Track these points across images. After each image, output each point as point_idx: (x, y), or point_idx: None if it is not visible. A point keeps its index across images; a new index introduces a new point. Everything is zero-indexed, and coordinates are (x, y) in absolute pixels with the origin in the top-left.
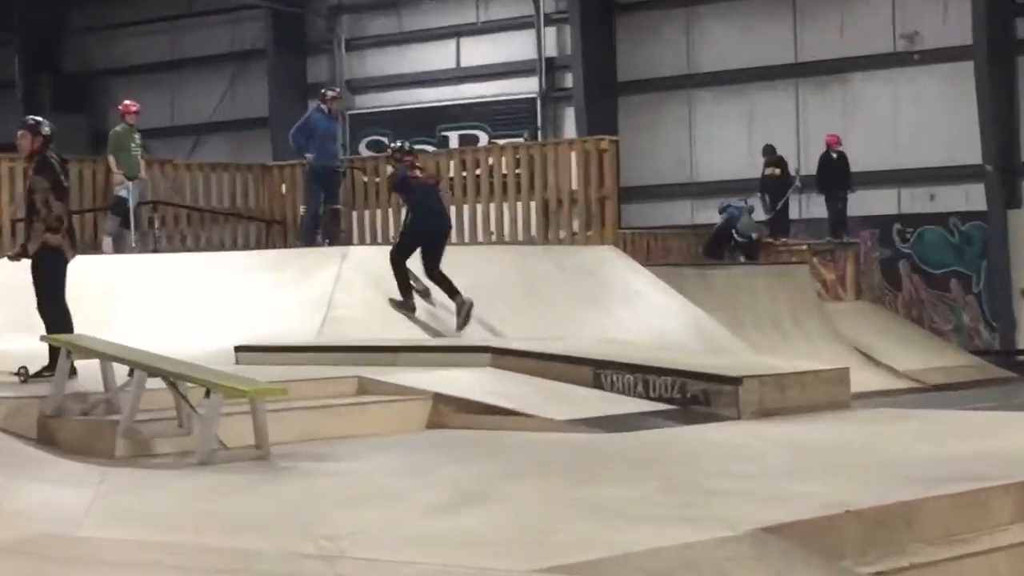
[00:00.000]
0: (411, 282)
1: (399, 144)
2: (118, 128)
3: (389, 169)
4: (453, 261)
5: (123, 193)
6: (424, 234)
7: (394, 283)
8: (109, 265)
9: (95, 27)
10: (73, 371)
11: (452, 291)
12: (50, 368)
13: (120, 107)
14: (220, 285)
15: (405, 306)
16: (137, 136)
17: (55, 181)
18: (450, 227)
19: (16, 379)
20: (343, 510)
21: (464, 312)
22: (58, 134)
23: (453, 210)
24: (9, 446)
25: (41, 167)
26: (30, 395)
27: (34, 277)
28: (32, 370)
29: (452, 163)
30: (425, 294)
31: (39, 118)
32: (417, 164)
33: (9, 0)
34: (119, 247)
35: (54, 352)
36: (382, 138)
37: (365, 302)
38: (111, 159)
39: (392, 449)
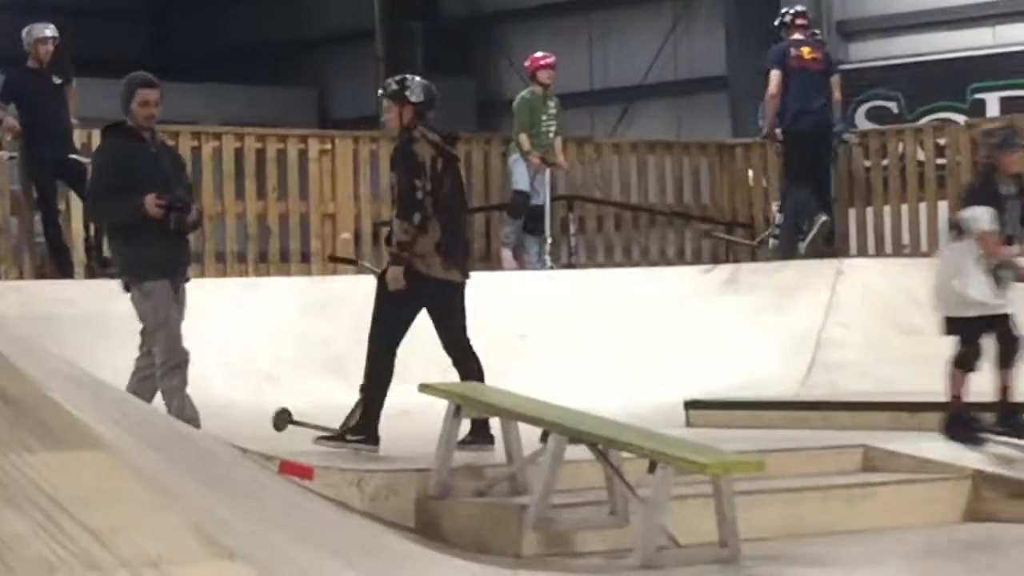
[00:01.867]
0: None
1: (797, 9)
2: (525, 93)
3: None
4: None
5: (522, 186)
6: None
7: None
8: (506, 286)
9: None
10: (482, 433)
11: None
12: (358, 430)
13: (527, 62)
14: (661, 314)
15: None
16: (552, 104)
17: (416, 171)
18: (831, 126)
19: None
20: None
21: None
22: (440, 98)
23: None
24: (378, 538)
25: (401, 154)
26: (406, 468)
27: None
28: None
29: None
30: None
31: (407, 77)
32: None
33: None
34: (521, 260)
35: (368, 408)
36: (888, 103)
37: (870, 340)
38: (522, 138)
39: (915, 553)
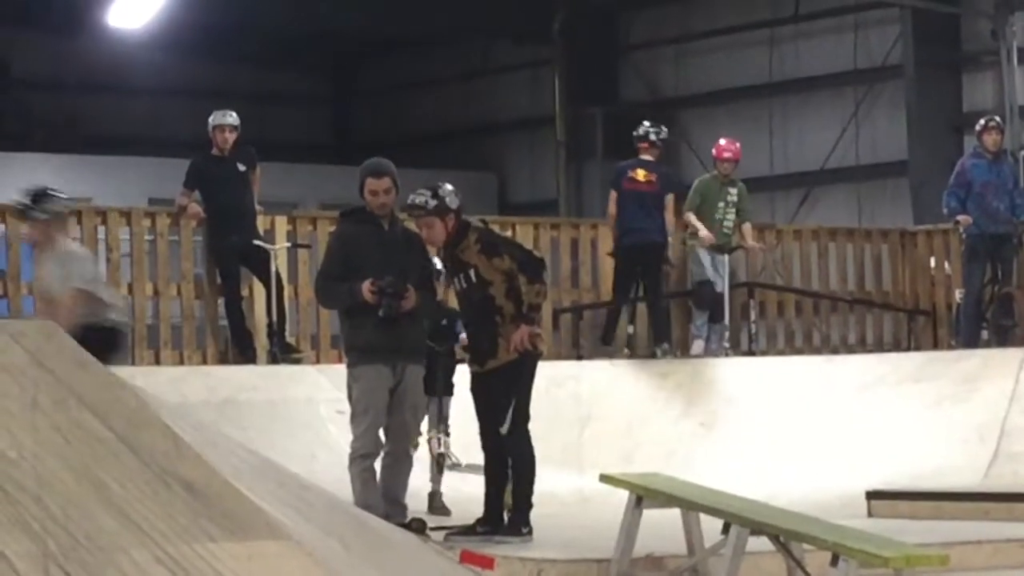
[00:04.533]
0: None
1: (649, 127)
2: (704, 176)
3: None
4: None
5: (707, 273)
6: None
7: None
8: (687, 373)
9: (658, 40)
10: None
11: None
12: (487, 521)
13: (714, 149)
14: (841, 402)
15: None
16: (733, 192)
17: (525, 257)
18: (661, 244)
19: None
20: None
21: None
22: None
23: None
24: None
25: (489, 242)
26: (586, 558)
27: (502, 395)
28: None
29: None
30: None
31: (438, 187)
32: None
33: (555, 9)
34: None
35: (493, 500)
36: None
37: None
38: (690, 217)
39: None
